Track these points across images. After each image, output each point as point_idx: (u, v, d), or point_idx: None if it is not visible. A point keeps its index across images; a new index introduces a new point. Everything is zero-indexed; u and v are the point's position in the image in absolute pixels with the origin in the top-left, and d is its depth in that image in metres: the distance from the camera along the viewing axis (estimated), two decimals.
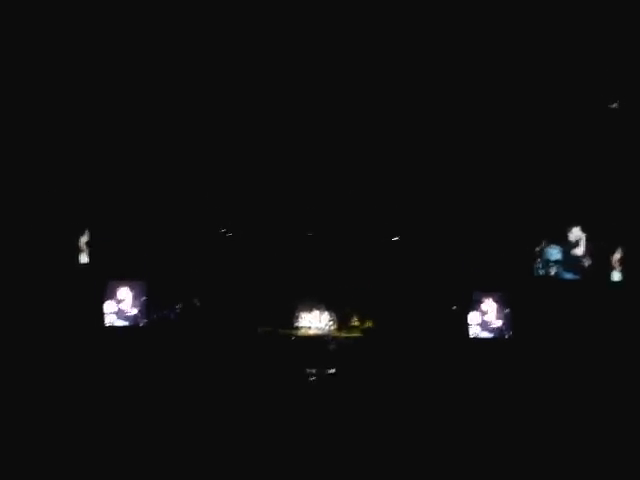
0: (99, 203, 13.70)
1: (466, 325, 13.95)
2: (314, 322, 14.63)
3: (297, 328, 14.57)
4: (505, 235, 13.77)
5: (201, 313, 14.09)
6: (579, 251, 13.84)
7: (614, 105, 12.87)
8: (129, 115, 13.36)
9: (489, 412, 10.05)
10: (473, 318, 13.99)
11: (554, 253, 14.10)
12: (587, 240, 13.89)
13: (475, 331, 13.92)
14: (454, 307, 14.23)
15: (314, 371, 12.94)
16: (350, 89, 12.97)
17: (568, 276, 14.01)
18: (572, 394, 11.01)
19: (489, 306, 13.84)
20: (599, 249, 13.66)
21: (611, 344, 12.26)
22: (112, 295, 13.63)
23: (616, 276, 13.79)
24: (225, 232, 15.08)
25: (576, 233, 13.96)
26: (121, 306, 13.61)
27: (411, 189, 14.09)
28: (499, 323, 13.74)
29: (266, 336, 14.12)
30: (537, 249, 14.01)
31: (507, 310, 13.92)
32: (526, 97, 12.79)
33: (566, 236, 13.99)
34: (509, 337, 13.82)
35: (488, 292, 13.91)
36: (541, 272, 14.06)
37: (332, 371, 13.06)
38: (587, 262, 13.87)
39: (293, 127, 13.56)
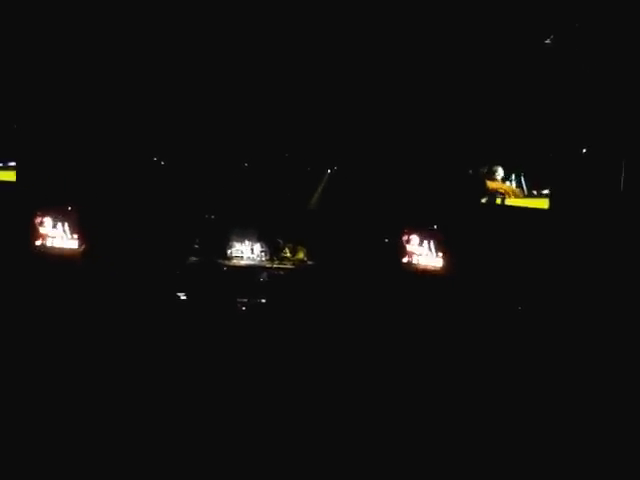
0: (29, 130, 13.31)
1: (400, 259, 14.07)
2: (246, 253, 14.83)
3: (229, 258, 14.67)
4: (436, 166, 13.87)
5: (133, 242, 13.79)
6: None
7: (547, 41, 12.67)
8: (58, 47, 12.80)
9: (416, 349, 9.93)
10: (408, 251, 14.09)
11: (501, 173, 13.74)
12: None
13: (410, 265, 14.06)
14: (386, 240, 14.45)
15: (245, 300, 12.89)
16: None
17: None
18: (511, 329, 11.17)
19: (423, 239, 13.99)
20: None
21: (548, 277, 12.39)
22: (43, 222, 13.32)
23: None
24: (158, 160, 14.91)
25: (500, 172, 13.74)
26: (52, 233, 13.34)
27: (347, 122, 14.06)
28: (434, 257, 13.98)
29: (198, 265, 14.22)
30: (483, 170, 13.77)
31: (441, 243, 14.01)
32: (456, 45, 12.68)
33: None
34: (445, 271, 13.78)
35: (422, 226, 14.10)
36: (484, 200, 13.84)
37: (263, 301, 13.08)
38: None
39: (230, 58, 13.25)
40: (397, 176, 14.30)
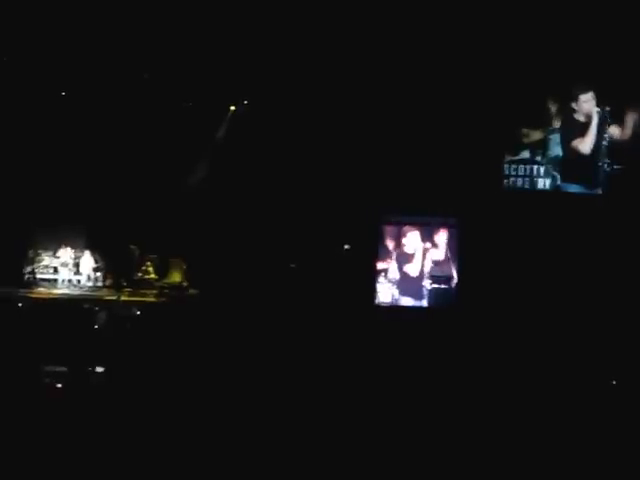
0: None
1: (370, 289, 10.58)
2: (64, 271, 11.27)
3: (30, 284, 11.09)
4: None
5: None
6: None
7: None
8: None
9: None
10: (387, 269, 10.84)
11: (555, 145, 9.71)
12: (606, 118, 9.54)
13: (387, 293, 10.39)
14: (346, 247, 10.93)
15: (64, 370, 8.83)
16: None
17: (573, 188, 9.81)
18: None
19: (423, 246, 10.82)
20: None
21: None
22: None
23: None
24: None
25: (587, 104, 9.49)
26: None
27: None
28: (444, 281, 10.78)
29: None
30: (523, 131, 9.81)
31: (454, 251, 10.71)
32: None
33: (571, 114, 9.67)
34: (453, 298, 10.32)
35: (417, 220, 10.60)
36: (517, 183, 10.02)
37: (100, 370, 9.18)
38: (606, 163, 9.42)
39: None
40: (367, 118, 10.59)
